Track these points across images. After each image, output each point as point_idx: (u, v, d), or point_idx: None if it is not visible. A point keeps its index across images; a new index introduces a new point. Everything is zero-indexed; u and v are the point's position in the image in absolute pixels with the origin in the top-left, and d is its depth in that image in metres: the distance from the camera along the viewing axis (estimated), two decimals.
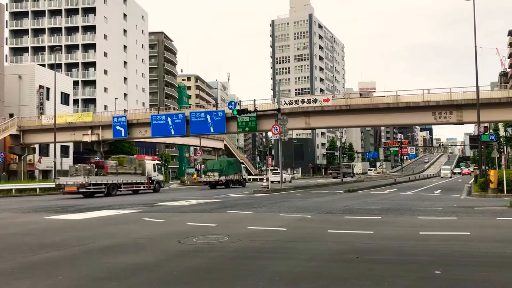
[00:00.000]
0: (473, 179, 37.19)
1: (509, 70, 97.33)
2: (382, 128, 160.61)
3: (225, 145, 68.92)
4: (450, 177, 65.94)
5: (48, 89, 53.09)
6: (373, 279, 5.57)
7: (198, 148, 58.52)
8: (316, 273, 5.95)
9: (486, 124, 58.86)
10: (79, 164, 30.35)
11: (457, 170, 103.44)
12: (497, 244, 8.10)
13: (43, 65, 61.41)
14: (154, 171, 34.38)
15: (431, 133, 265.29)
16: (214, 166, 40.03)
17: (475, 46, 25.69)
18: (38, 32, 70.51)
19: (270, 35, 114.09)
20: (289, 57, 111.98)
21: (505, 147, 57.17)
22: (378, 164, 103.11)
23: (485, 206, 15.90)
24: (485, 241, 8.47)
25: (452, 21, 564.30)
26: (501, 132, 62.61)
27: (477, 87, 26.79)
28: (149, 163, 34.25)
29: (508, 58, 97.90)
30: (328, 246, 8.00)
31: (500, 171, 22.58)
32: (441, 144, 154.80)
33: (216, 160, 48.81)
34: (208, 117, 39.89)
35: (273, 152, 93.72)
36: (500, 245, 7.99)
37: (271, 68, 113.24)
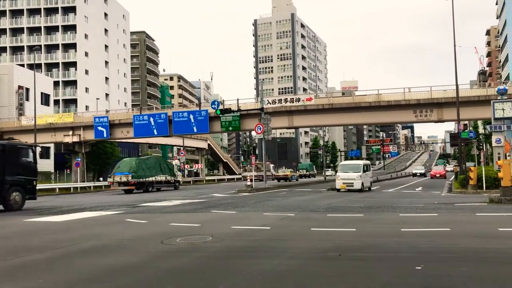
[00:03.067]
0: (453, 176, 37.75)
1: (487, 68, 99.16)
2: (365, 126, 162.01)
3: (208, 144, 68.71)
4: (361, 189, 25.34)
5: (27, 89, 52.19)
6: (355, 276, 5.64)
7: (182, 148, 58.17)
8: (299, 272, 5.99)
9: (466, 122, 59.87)
10: (249, 166, 51.09)
11: (418, 170, 61.56)
12: (477, 239, 8.28)
13: (22, 65, 60.24)
14: (272, 169, 60.25)
15: (412, 131, 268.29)
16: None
17: (454, 46, 26.14)
18: (16, 31, 69.12)
19: (253, 35, 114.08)
20: (272, 56, 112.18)
21: (484, 144, 58.18)
22: (377, 162, 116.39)
23: (465, 202, 16.19)
24: (464, 236, 8.65)
25: (434, 22, 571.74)
26: (480, 130, 63.71)
27: (457, 85, 27.26)
28: (270, 165, 60.77)
29: (487, 56, 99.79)
30: (311, 244, 8.06)
31: (479, 168, 23.01)
32: (422, 142, 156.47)
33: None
34: (191, 116, 39.73)
35: (257, 151, 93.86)
36: (479, 240, 8.17)
37: (254, 67, 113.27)
